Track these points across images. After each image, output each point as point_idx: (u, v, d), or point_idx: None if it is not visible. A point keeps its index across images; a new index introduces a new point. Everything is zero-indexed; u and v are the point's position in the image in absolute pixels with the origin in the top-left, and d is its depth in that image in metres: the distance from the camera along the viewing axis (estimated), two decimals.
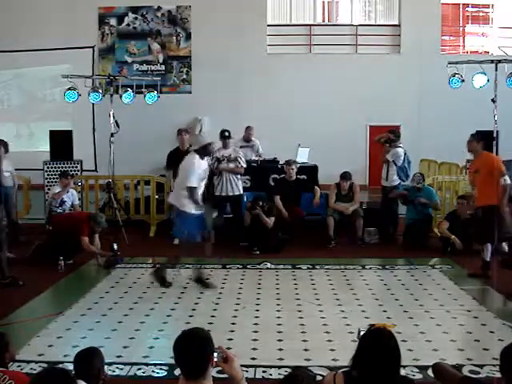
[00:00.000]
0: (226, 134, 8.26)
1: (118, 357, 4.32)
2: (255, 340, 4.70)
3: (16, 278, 6.14)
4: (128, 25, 15.15)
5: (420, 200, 8.24)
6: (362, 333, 2.63)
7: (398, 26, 15.05)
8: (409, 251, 7.99)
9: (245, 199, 8.74)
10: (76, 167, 10.25)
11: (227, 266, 7.13)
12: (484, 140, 6.61)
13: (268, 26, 15.05)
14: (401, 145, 8.81)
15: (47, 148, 10.49)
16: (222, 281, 6.52)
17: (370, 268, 7.18)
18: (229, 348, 4.00)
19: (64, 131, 10.77)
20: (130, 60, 15.21)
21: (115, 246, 7.35)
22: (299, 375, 2.80)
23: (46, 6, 14.47)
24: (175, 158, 8.47)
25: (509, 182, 6.36)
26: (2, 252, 6.22)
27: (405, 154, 8.64)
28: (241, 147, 9.59)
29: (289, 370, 4.05)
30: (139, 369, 4.14)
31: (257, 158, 9.82)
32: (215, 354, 2.32)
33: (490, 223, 6.17)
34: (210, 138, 9.74)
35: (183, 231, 6.26)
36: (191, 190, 6.03)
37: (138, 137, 13.84)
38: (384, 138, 8.85)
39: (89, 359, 2.99)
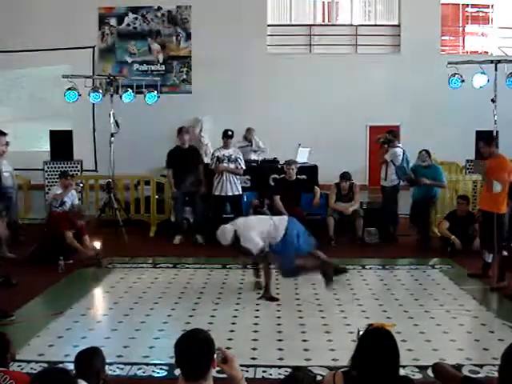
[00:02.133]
0: (229, 133, 8.26)
1: (118, 357, 4.31)
2: (255, 340, 4.69)
3: (9, 277, 6.12)
4: (128, 25, 15.17)
5: (425, 181, 8.20)
6: (361, 333, 2.63)
7: (398, 26, 15.07)
8: (409, 251, 8.01)
9: (244, 199, 8.75)
10: (76, 167, 10.26)
11: (227, 266, 7.12)
12: (494, 140, 6.50)
13: (268, 26, 15.07)
14: (399, 145, 8.83)
15: (47, 148, 10.50)
16: (222, 281, 6.52)
17: (370, 268, 7.18)
18: (229, 348, 4.00)
19: (64, 131, 10.77)
20: (130, 60, 15.23)
21: (97, 246, 7.15)
22: (299, 375, 2.80)
23: (46, 5, 14.49)
24: (176, 157, 8.49)
25: (497, 189, 6.24)
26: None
27: (403, 153, 8.64)
28: (241, 147, 9.62)
29: (289, 369, 4.05)
30: (139, 369, 4.14)
31: (257, 158, 9.84)
32: (215, 355, 2.32)
33: (489, 231, 6.16)
34: (211, 137, 9.83)
35: None
36: None
37: (138, 137, 13.84)
38: (382, 139, 8.85)
39: (89, 359, 2.99)
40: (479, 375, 3.95)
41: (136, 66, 15.21)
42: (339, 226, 8.39)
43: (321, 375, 3.75)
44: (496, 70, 8.01)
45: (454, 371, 2.75)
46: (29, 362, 4.13)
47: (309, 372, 3.63)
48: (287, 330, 4.94)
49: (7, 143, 8.62)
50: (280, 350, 4.50)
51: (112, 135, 9.16)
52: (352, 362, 2.52)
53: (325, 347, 4.55)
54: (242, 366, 2.49)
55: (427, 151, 8.56)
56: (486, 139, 6.57)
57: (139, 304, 5.71)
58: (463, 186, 9.28)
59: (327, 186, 8.87)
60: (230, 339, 4.68)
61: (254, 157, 9.91)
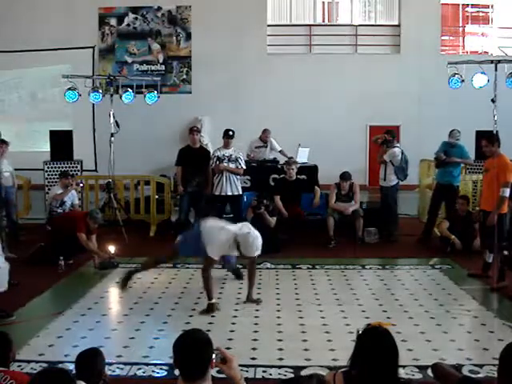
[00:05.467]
0: (231, 133, 8.24)
1: (118, 357, 4.31)
2: (255, 340, 4.69)
3: (9, 277, 6.11)
4: (128, 25, 15.17)
5: (455, 159, 8.19)
6: (360, 333, 2.63)
7: (398, 26, 15.07)
8: (409, 251, 8.01)
9: (244, 199, 8.74)
10: (76, 167, 10.26)
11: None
12: (497, 139, 6.50)
13: (268, 26, 15.07)
14: (397, 145, 8.83)
15: (47, 148, 10.50)
16: (222, 281, 6.52)
17: (370, 268, 7.18)
18: (228, 348, 4.00)
19: (64, 131, 10.77)
20: (130, 60, 15.23)
21: (112, 250, 7.27)
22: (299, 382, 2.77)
23: (46, 6, 14.50)
24: (186, 156, 8.50)
25: (506, 194, 6.26)
26: None
27: (402, 153, 8.63)
28: (257, 147, 9.74)
29: (289, 370, 4.06)
30: (139, 369, 4.14)
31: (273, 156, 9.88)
32: (214, 355, 2.32)
33: (490, 231, 6.16)
34: (211, 137, 9.72)
35: None
36: None
37: (137, 137, 13.85)
38: (381, 139, 8.85)
39: (91, 361, 2.99)
40: (479, 375, 3.95)
41: (136, 66, 15.21)
42: (339, 226, 8.38)
43: (321, 375, 3.75)
44: (496, 70, 7.98)
45: (453, 371, 2.75)
46: (29, 361, 4.14)
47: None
48: (287, 330, 4.94)
49: (7, 143, 8.67)
50: (280, 349, 4.50)
51: (112, 135, 9.16)
52: (351, 361, 2.52)
53: (325, 347, 4.54)
54: (241, 366, 2.49)
55: (458, 130, 8.47)
56: (488, 138, 6.54)
57: (139, 304, 5.72)
58: (463, 186, 9.27)
59: (327, 186, 8.86)
60: (230, 339, 4.68)
61: (271, 156, 9.92)
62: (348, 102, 14.43)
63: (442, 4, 15.13)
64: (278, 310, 5.48)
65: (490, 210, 6.25)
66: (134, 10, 15.13)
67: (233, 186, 8.26)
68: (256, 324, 5.10)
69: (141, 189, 9.64)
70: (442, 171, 8.36)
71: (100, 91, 9.33)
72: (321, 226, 8.43)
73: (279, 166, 9.28)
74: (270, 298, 5.87)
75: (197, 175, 8.37)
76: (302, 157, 9.59)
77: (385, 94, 14.32)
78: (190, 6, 15.02)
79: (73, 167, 10.15)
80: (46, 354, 4.37)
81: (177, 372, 2.39)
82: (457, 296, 5.96)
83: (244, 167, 8.38)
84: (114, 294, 6.22)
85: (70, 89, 9.21)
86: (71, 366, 3.45)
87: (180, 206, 8.75)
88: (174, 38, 15.20)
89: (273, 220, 7.97)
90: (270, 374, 4.05)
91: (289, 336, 4.79)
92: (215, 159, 8.26)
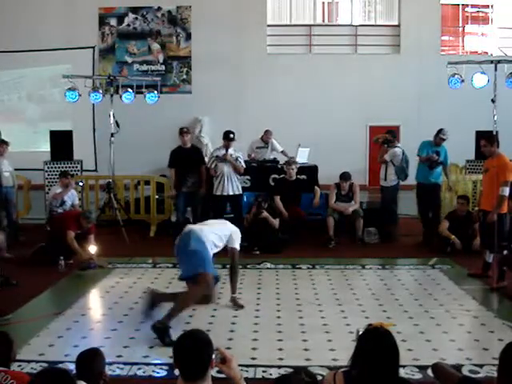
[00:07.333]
0: (231, 136, 8.21)
1: (118, 357, 4.31)
2: (255, 340, 4.69)
3: (9, 277, 6.12)
4: (128, 25, 15.19)
5: (438, 158, 8.15)
6: (360, 333, 2.63)
7: (398, 26, 15.08)
8: (409, 251, 8.01)
9: (244, 199, 8.74)
10: (76, 167, 10.26)
11: (227, 266, 7.10)
12: (496, 139, 6.50)
13: (268, 26, 15.08)
14: (398, 145, 8.83)
15: (47, 148, 10.50)
16: (222, 281, 6.51)
17: (370, 268, 7.17)
18: (228, 348, 4.00)
19: (64, 131, 10.77)
20: (130, 60, 15.24)
21: (92, 251, 7.14)
22: (292, 380, 2.77)
23: (46, 6, 14.51)
24: (178, 157, 8.49)
25: (506, 193, 6.26)
26: None
27: (403, 153, 8.63)
28: (258, 148, 9.79)
29: (289, 370, 4.05)
30: (139, 369, 4.13)
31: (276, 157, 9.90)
32: (213, 355, 2.32)
33: (490, 231, 6.17)
34: (210, 138, 9.59)
35: None
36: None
37: (138, 137, 13.86)
38: (382, 139, 8.84)
39: (91, 361, 2.99)
40: (479, 375, 3.95)
41: (136, 66, 15.23)
42: (339, 226, 8.38)
43: (321, 375, 3.75)
44: (496, 70, 8.00)
45: (453, 371, 2.76)
46: (29, 361, 4.13)
47: (305, 377, 3.36)
48: (287, 330, 4.93)
49: (7, 143, 8.67)
50: (280, 349, 4.49)
51: (112, 135, 9.17)
52: (352, 361, 2.52)
53: (325, 347, 4.54)
54: (241, 366, 2.49)
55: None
56: (487, 138, 6.54)
57: (139, 304, 5.70)
58: (463, 186, 9.27)
59: (327, 186, 8.86)
60: (230, 339, 4.68)
61: (271, 156, 9.94)
62: (348, 102, 14.45)
63: (442, 4, 15.15)
64: (278, 310, 5.48)
65: (490, 210, 6.25)
66: (134, 10, 15.14)
67: (234, 185, 8.25)
68: (256, 324, 5.10)
69: (141, 189, 9.64)
70: (428, 171, 8.31)
71: (100, 91, 9.33)
72: (321, 226, 8.43)
73: (279, 166, 9.28)
74: (270, 297, 5.88)
75: (190, 175, 8.35)
76: (302, 157, 9.59)
77: (385, 94, 14.34)
78: (190, 6, 15.04)
79: (73, 167, 10.15)
80: (46, 354, 4.36)
81: (177, 372, 2.39)
82: (457, 296, 5.95)
83: (244, 166, 8.37)
84: (114, 293, 6.21)
85: (70, 89, 9.22)
86: (71, 366, 3.45)
87: (176, 206, 8.75)
88: (174, 37, 15.22)
89: (276, 221, 8.01)
90: (270, 374, 4.04)
91: (289, 336, 4.79)
92: (213, 159, 8.24)
